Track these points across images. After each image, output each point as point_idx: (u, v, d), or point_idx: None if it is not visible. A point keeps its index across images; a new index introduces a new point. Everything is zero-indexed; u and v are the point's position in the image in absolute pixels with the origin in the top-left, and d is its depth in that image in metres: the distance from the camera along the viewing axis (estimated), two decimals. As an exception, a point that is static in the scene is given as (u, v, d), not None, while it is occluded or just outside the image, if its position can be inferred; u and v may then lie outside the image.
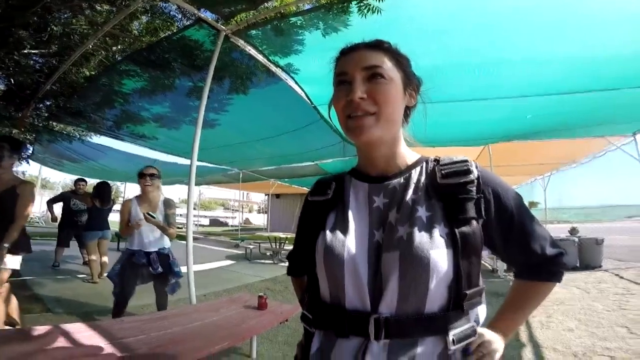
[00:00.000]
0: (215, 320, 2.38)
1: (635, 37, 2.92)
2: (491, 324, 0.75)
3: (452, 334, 0.61)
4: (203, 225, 31.82)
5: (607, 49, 3.10)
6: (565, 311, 4.32)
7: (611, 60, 3.28)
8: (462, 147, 6.98)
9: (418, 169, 0.75)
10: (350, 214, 0.73)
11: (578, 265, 7.53)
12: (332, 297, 0.70)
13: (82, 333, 1.87)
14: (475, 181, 0.69)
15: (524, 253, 0.73)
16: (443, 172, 0.71)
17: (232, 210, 39.47)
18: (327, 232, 0.73)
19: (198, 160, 8.80)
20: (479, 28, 2.88)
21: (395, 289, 0.62)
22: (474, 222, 0.66)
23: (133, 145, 7.13)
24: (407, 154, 0.78)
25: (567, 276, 6.57)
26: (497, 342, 0.69)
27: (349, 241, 0.68)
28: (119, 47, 3.43)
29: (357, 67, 0.69)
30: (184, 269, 3.16)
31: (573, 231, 9.02)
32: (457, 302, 0.63)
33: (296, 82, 3.84)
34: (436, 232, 0.64)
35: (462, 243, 0.63)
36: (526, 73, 3.63)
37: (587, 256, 7.57)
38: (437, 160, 0.75)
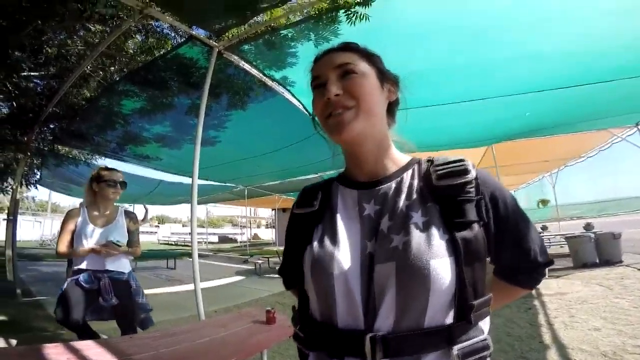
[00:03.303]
0: (224, 335, 2.34)
1: (628, 27, 2.91)
2: None
3: (457, 348, 0.56)
4: (212, 243, 31.85)
5: (601, 40, 3.08)
6: (588, 310, 4.13)
7: (606, 52, 3.26)
8: (466, 149, 6.95)
9: (410, 171, 0.71)
10: (339, 224, 0.68)
11: (597, 261, 7.27)
12: (322, 315, 0.65)
13: (92, 350, 1.85)
14: (474, 181, 0.65)
15: (515, 257, 0.69)
16: (439, 172, 0.66)
17: (240, 226, 39.52)
18: (315, 245, 0.68)
19: (202, 178, 8.88)
20: (470, 29, 2.89)
21: (392, 304, 0.57)
22: (476, 226, 0.61)
23: (138, 167, 7.23)
24: (398, 156, 0.74)
25: (587, 273, 6.42)
26: None
27: (339, 254, 0.63)
28: (116, 67, 3.49)
29: (328, 68, 0.69)
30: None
31: (588, 227, 8.82)
32: (462, 314, 0.57)
33: (293, 95, 3.87)
34: (435, 238, 0.58)
35: (465, 249, 0.58)
36: (522, 70, 3.63)
37: (605, 251, 7.30)
38: (430, 161, 0.71)
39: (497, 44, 3.14)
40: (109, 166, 2.67)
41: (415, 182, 0.69)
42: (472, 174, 0.65)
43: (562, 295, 4.85)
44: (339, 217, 0.69)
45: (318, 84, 0.70)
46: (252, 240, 30.04)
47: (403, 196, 0.66)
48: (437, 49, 3.10)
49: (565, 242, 8.25)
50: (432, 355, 0.56)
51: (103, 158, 6.94)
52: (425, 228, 0.60)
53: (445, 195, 0.64)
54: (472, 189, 0.64)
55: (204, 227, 32.40)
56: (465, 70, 3.51)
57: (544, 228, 11.49)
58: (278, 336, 2.49)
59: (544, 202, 15.36)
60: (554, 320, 3.86)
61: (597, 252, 7.37)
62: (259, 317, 2.82)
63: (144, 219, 2.86)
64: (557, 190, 13.10)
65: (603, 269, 6.77)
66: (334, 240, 0.66)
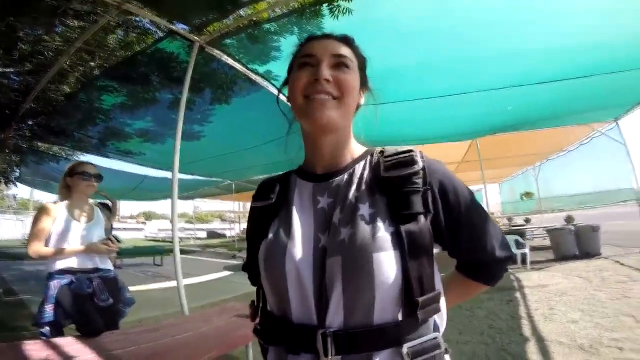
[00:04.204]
0: (207, 329, 2.34)
1: (608, 24, 2.97)
2: None
3: (407, 347, 0.55)
4: (200, 239, 31.59)
5: (581, 36, 3.15)
6: (567, 302, 4.21)
7: (587, 47, 3.33)
8: (450, 142, 7.04)
9: (362, 162, 0.71)
10: (294, 217, 0.67)
11: (577, 253, 7.47)
12: (278, 310, 0.64)
13: (72, 346, 1.83)
14: (421, 172, 0.63)
15: (472, 251, 0.68)
16: (386, 163, 0.65)
17: (229, 221, 39.27)
18: (269, 238, 0.67)
19: (187, 173, 8.76)
20: (453, 25, 2.91)
21: (339, 299, 0.56)
22: (422, 218, 0.60)
23: (121, 162, 7.09)
24: (355, 148, 0.74)
25: (567, 265, 6.56)
26: None
27: (292, 247, 0.62)
28: (96, 62, 3.41)
29: (326, 52, 0.68)
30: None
31: (569, 219, 8.99)
32: (410, 311, 0.56)
33: (277, 88, 3.84)
34: (380, 231, 0.58)
35: (409, 242, 0.57)
36: (505, 65, 3.68)
37: (585, 244, 7.49)
38: (381, 152, 0.70)
39: (481, 39, 3.18)
40: (84, 160, 2.54)
41: (366, 173, 0.68)
42: (419, 165, 0.64)
43: (542, 288, 4.95)
44: (294, 210, 0.68)
45: (307, 62, 0.69)
46: (241, 236, 29.91)
47: (353, 188, 0.66)
48: (420, 44, 3.12)
49: (547, 235, 8.44)
50: (383, 354, 0.56)
51: (85, 154, 6.79)
52: (371, 220, 0.60)
53: (392, 186, 0.63)
54: (419, 180, 0.63)
55: (192, 222, 32.06)
56: (449, 65, 3.55)
57: (527, 220, 11.72)
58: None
59: (528, 194, 15.69)
60: (534, 312, 3.93)
61: (577, 244, 7.56)
62: (242, 310, 2.82)
63: (114, 214, 2.73)
64: (539, 183, 13.39)
65: (583, 261, 6.93)
66: (288, 234, 0.65)
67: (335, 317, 0.56)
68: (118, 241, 2.31)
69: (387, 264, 0.56)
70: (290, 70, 0.74)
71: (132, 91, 3.87)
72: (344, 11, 2.38)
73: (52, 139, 5.54)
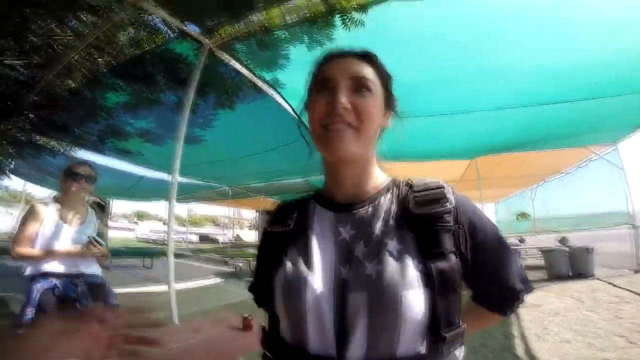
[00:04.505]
0: (197, 341, 2.27)
1: (610, 45, 3.01)
2: None
3: None
4: (192, 242, 31.26)
5: (584, 57, 3.19)
6: (560, 322, 4.26)
7: (589, 69, 3.37)
8: (449, 160, 7.05)
9: (389, 195, 0.69)
10: (313, 246, 0.65)
11: (571, 274, 7.53)
12: (293, 339, 0.62)
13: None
14: (453, 210, 0.63)
15: (493, 285, 0.68)
16: (417, 200, 0.64)
17: (223, 227, 38.98)
18: (288, 267, 0.64)
19: (186, 176, 8.72)
20: (461, 41, 2.93)
21: (363, 335, 0.55)
22: (452, 256, 0.60)
23: (119, 161, 7.02)
24: (378, 177, 0.72)
25: (561, 286, 6.61)
26: None
27: (312, 278, 0.60)
28: (104, 59, 3.38)
29: (344, 75, 0.64)
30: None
31: (563, 240, 9.08)
32: (434, 345, 0.56)
33: (283, 97, 3.84)
34: (409, 268, 0.56)
35: (439, 280, 0.56)
36: (508, 84, 3.71)
37: (578, 265, 7.56)
38: (409, 185, 0.69)
39: (484, 57, 3.20)
40: (83, 159, 2.54)
41: (393, 207, 0.66)
42: (452, 203, 0.63)
43: (536, 308, 4.97)
44: (314, 239, 0.67)
45: (325, 87, 0.66)
46: (234, 242, 29.67)
47: (379, 222, 0.64)
48: (428, 60, 3.14)
49: (541, 255, 8.48)
50: None
51: (82, 150, 6.72)
52: (400, 257, 0.58)
53: (422, 223, 0.62)
54: (450, 218, 0.62)
55: (184, 225, 31.78)
56: (453, 82, 3.56)
57: (521, 240, 11.76)
58: (254, 343, 2.42)
59: (523, 215, 15.79)
60: (527, 332, 3.95)
61: (570, 265, 7.61)
62: (235, 322, 2.75)
63: (104, 213, 2.72)
64: (536, 204, 13.49)
65: (576, 282, 7.00)
66: (308, 264, 0.63)
67: (356, 351, 0.55)
68: (101, 244, 2.23)
69: (415, 302, 0.55)
70: (309, 92, 0.72)
71: (136, 91, 3.83)
72: (357, 23, 2.38)
73: (52, 134, 5.47)
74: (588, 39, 2.98)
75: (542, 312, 4.76)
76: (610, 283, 6.52)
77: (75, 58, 3.20)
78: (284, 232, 0.71)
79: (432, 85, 3.51)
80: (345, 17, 2.39)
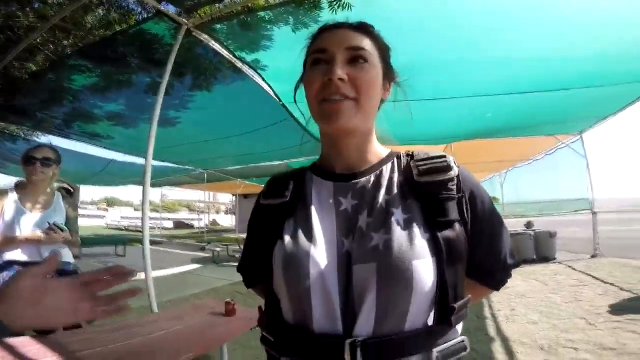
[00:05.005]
0: (179, 329, 2.22)
1: (580, 41, 3.14)
2: None
3: (437, 351, 0.54)
4: (166, 228, 30.55)
5: (555, 51, 3.32)
6: (527, 304, 4.48)
7: (560, 62, 3.51)
8: (426, 145, 7.19)
9: (389, 164, 0.67)
10: (313, 218, 0.62)
11: (535, 257, 7.93)
12: (296, 319, 0.59)
13: (29, 347, 1.67)
14: (456, 179, 0.62)
15: (486, 257, 0.67)
16: (420, 168, 0.63)
17: (198, 212, 38.24)
18: (287, 240, 0.61)
19: (159, 159, 8.43)
20: (444, 28, 2.96)
21: (372, 308, 0.53)
22: (457, 225, 0.59)
23: (86, 145, 6.70)
24: (378, 149, 0.71)
25: (526, 268, 6.95)
26: None
27: (315, 251, 0.57)
28: (70, 41, 3.14)
29: (339, 46, 0.62)
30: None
31: (529, 225, 9.49)
32: (443, 317, 0.55)
33: (263, 79, 3.75)
34: (417, 238, 0.55)
35: (447, 249, 0.55)
36: (487, 72, 3.80)
37: (542, 249, 8.00)
38: (410, 155, 0.68)
39: (462, 47, 3.26)
40: (45, 143, 2.40)
41: (395, 176, 0.65)
42: (455, 171, 0.62)
43: (504, 289, 5.16)
44: (313, 210, 0.64)
45: (320, 59, 0.63)
46: (210, 227, 29.25)
47: (382, 191, 0.63)
48: (409, 45, 3.13)
49: (509, 238, 8.88)
50: (413, 359, 0.53)
51: (46, 135, 6.35)
52: (407, 226, 0.57)
53: (427, 192, 0.61)
54: (454, 187, 0.61)
55: (158, 211, 30.92)
56: (431, 69, 3.60)
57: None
58: (238, 328, 2.41)
59: (494, 199, 16.51)
60: (497, 313, 4.14)
61: (535, 249, 8.01)
62: (217, 308, 2.72)
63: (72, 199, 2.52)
64: (505, 189, 14.08)
65: (540, 265, 7.40)
66: (309, 236, 0.60)
67: (364, 326, 0.53)
68: (61, 229, 2.11)
69: (425, 272, 0.54)
70: (304, 66, 0.69)
71: (106, 72, 3.61)
72: (344, 6, 2.33)
73: (12, 118, 5.11)
74: (559, 34, 3.10)
75: (510, 294, 5.00)
76: (570, 266, 6.93)
77: (38, 40, 2.96)
78: (280, 204, 0.67)
79: (411, 72, 3.52)
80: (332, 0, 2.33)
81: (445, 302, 0.55)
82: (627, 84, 4.30)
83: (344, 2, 2.34)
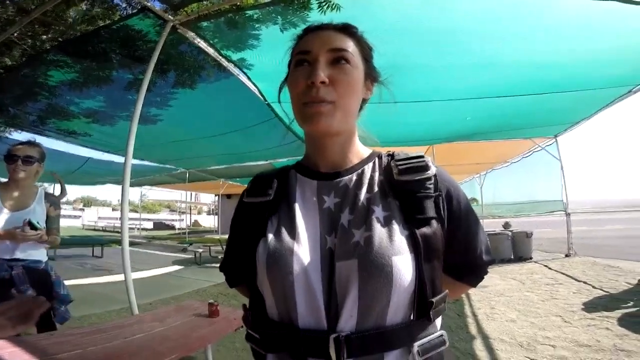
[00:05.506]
0: (161, 330, 2.18)
1: (557, 48, 3.27)
2: None
3: (417, 345, 0.56)
4: (146, 229, 29.80)
5: (533, 57, 3.44)
6: (506, 302, 4.62)
7: (540, 67, 3.65)
8: (407, 147, 7.31)
9: (371, 164, 0.69)
10: (297, 216, 0.63)
11: (512, 257, 8.22)
12: (280, 315, 0.60)
13: (4, 350, 1.60)
14: (433, 178, 0.64)
15: (463, 254, 0.70)
16: (400, 167, 0.65)
17: (179, 212, 37.45)
18: (271, 238, 0.62)
19: (138, 158, 8.23)
20: (430, 32, 3.01)
21: (354, 303, 0.54)
22: (434, 222, 0.61)
23: (62, 142, 6.47)
24: (360, 149, 0.73)
25: (504, 268, 7.17)
26: None
27: (298, 248, 0.59)
28: (49, 35, 3.01)
29: (322, 48, 0.63)
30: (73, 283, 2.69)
31: (506, 225, 9.80)
32: (422, 311, 0.57)
33: (249, 78, 3.71)
34: (396, 234, 0.57)
35: (425, 246, 0.57)
36: (468, 77, 3.90)
37: (519, 249, 8.28)
38: (390, 155, 0.70)
39: (445, 53, 3.33)
40: (27, 140, 2.33)
41: (377, 175, 0.67)
42: (432, 171, 0.65)
43: (483, 288, 5.35)
44: (296, 208, 0.65)
45: (304, 60, 0.64)
46: (192, 228, 28.71)
47: (364, 189, 0.64)
48: (395, 49, 3.18)
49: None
50: (394, 353, 0.55)
51: (19, 132, 6.10)
52: (387, 223, 0.59)
53: (405, 190, 0.63)
54: (432, 185, 0.63)
55: (137, 211, 30.08)
56: (414, 72, 3.67)
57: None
58: (223, 329, 2.38)
59: (473, 200, 16.91)
60: (477, 311, 4.24)
61: (512, 249, 8.27)
62: (200, 310, 2.68)
63: (62, 193, 2.49)
64: (484, 191, 14.45)
65: (517, 264, 7.65)
66: (293, 234, 0.61)
67: (348, 321, 0.54)
68: (36, 228, 2.07)
69: (405, 268, 0.55)
70: (289, 65, 0.70)
71: (86, 68, 3.48)
72: (333, 7, 2.34)
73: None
74: (536, 41, 3.22)
75: (489, 292, 5.14)
76: (546, 266, 7.20)
77: (15, 34, 2.84)
78: (264, 203, 0.68)
79: (395, 74, 3.58)
80: (322, 0, 2.34)
81: (423, 297, 0.57)
82: (600, 89, 4.49)
83: (333, 3, 2.36)
